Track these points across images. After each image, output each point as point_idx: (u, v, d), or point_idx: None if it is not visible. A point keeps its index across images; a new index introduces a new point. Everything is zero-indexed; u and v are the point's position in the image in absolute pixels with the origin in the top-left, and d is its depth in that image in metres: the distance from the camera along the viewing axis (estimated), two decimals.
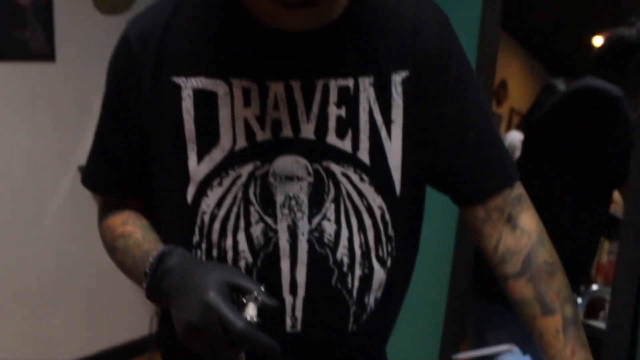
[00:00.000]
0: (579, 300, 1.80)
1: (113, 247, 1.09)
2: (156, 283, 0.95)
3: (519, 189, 1.07)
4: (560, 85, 2.01)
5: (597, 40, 2.92)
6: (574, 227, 1.79)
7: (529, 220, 1.06)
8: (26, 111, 2.83)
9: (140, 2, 3.11)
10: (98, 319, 3.21)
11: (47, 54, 2.84)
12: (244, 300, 0.86)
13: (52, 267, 3.00)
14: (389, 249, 1.04)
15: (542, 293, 1.02)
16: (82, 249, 3.06)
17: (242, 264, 0.99)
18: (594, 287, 1.89)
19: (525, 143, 2.01)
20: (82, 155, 3.01)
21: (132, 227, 1.08)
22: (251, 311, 0.85)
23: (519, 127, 3.11)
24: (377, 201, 1.01)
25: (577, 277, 1.82)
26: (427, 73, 1.00)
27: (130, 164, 1.07)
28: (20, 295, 2.91)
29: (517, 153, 2.28)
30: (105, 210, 1.15)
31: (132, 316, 3.33)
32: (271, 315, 0.87)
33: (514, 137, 2.85)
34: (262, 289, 0.88)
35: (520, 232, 1.05)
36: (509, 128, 3.61)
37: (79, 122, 3.00)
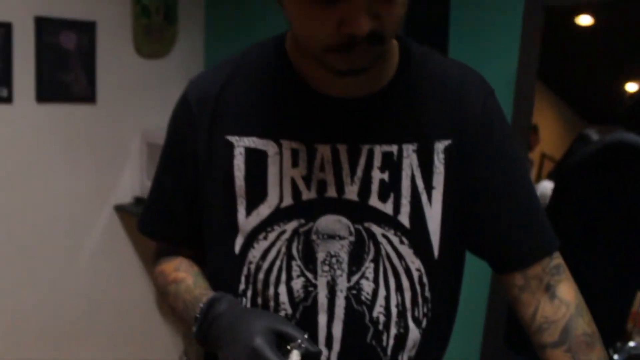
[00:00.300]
0: (615, 357, 1.77)
1: (165, 291, 1.14)
2: (205, 327, 0.99)
3: (558, 259, 1.07)
4: (594, 135, 2.02)
5: (631, 87, 2.92)
6: (607, 281, 1.78)
7: (567, 291, 1.05)
8: (67, 150, 2.91)
9: (178, 48, 3.21)
10: (127, 357, 3.23)
11: (88, 96, 2.93)
12: (289, 348, 0.90)
13: (85, 303, 3.04)
14: (425, 310, 1.06)
15: None
16: (114, 287, 3.11)
17: (281, 314, 1.03)
18: (631, 344, 1.86)
19: (555, 191, 2.01)
20: (118, 195, 3.09)
21: (184, 273, 1.12)
22: (295, 357, 0.88)
23: (550, 175, 3.10)
24: (415, 263, 1.03)
25: (612, 332, 1.80)
26: (470, 142, 1.03)
27: (185, 214, 1.12)
28: (51, 330, 2.96)
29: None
30: (159, 256, 1.21)
31: (162, 356, 3.35)
32: None
33: (546, 188, 2.84)
34: (306, 336, 0.92)
35: (559, 302, 1.04)
36: (540, 173, 3.61)
37: (116, 163, 3.08)
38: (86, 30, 2.89)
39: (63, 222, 2.96)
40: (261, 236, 1.03)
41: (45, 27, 2.78)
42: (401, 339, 1.04)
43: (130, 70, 3.07)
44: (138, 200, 3.10)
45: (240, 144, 1.03)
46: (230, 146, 1.03)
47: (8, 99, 2.72)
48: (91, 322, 3.07)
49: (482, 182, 1.04)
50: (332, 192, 1.01)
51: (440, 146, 1.02)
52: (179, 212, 1.13)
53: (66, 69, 2.85)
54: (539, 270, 1.05)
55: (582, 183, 1.84)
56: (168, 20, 3.14)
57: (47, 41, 2.80)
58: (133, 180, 3.12)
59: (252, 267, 1.04)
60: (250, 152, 1.02)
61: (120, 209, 3.09)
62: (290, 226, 1.02)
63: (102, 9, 2.94)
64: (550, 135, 3.54)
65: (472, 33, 2.15)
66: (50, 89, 2.82)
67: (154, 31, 3.10)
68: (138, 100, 3.11)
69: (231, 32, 3.18)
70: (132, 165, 3.12)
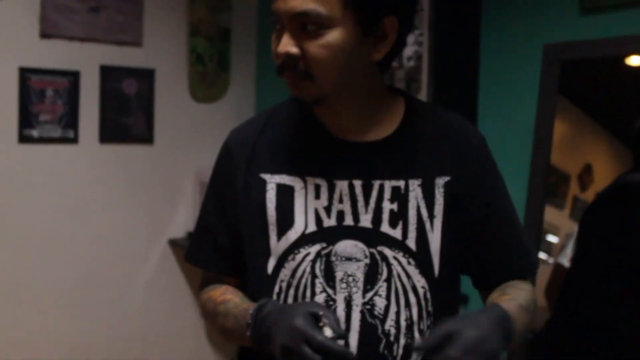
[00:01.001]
0: None
1: (215, 312, 1.27)
2: (257, 328, 1.13)
3: (527, 283, 1.28)
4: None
5: None
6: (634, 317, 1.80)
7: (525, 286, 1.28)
8: (126, 187, 3.14)
9: (231, 93, 3.43)
10: None
11: (146, 138, 3.17)
12: (321, 325, 1.05)
13: (139, 331, 3.21)
14: (429, 322, 1.22)
15: (506, 287, 1.24)
16: (167, 316, 3.28)
17: None
18: None
19: (578, 231, 2.05)
20: (172, 230, 3.29)
21: (231, 295, 1.28)
22: (327, 332, 1.04)
23: None
24: (420, 282, 1.21)
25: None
26: (465, 180, 1.23)
27: (229, 244, 1.30)
28: (107, 358, 3.13)
29: None
30: (205, 286, 1.36)
31: None
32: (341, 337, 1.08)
33: None
34: (336, 317, 1.09)
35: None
36: None
37: (170, 200, 3.29)
38: (146, 77, 3.15)
39: (121, 254, 3.16)
40: (290, 257, 1.21)
41: (109, 74, 3.05)
42: (408, 348, 1.20)
43: (185, 114, 3.30)
44: (191, 235, 3.26)
45: (272, 180, 1.23)
46: (264, 182, 1.23)
47: (74, 140, 2.98)
48: (145, 349, 3.23)
49: (473, 214, 1.25)
50: (349, 221, 1.20)
51: (440, 181, 1.22)
52: (223, 243, 1.30)
53: (127, 112, 3.10)
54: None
55: (595, 224, 1.89)
56: (221, 68, 3.36)
57: (111, 87, 3.06)
58: (186, 217, 3.31)
59: (284, 284, 1.22)
60: (280, 187, 1.22)
61: (173, 243, 3.28)
62: (314, 249, 1.20)
63: (160, 58, 3.19)
64: (604, 174, 3.54)
65: (499, 81, 2.27)
66: (112, 131, 3.07)
67: (208, 78, 3.33)
68: (192, 142, 3.32)
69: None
70: (185, 202, 3.32)
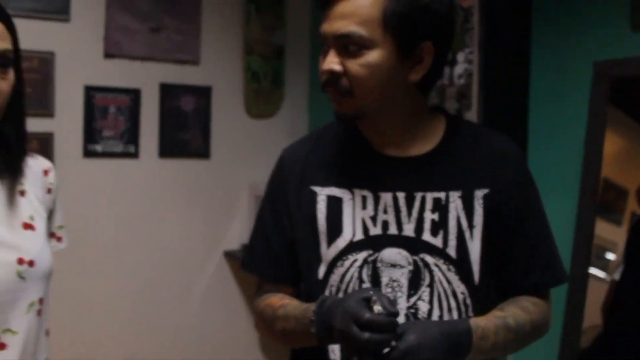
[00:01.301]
0: None
1: (275, 317, 1.31)
2: (320, 323, 1.19)
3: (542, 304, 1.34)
4: None
5: None
6: None
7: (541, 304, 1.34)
8: (183, 200, 3.26)
9: (285, 109, 3.53)
10: None
11: (203, 152, 3.29)
12: (371, 304, 1.11)
13: (195, 340, 3.31)
14: None
15: (510, 302, 1.30)
16: (222, 325, 3.38)
17: None
18: None
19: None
20: (227, 242, 3.39)
21: (289, 300, 1.33)
22: (377, 309, 1.09)
23: None
24: (460, 288, 1.28)
25: None
26: (503, 193, 1.30)
27: (285, 253, 1.37)
28: None
29: None
30: (261, 294, 1.41)
31: None
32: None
33: None
34: (388, 297, 1.14)
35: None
36: None
37: (226, 212, 3.39)
38: (203, 94, 3.26)
39: (179, 265, 3.27)
40: (339, 264, 1.29)
41: (168, 92, 3.18)
42: None
43: (240, 130, 3.41)
44: (246, 247, 3.37)
45: (322, 192, 1.32)
46: (314, 194, 1.33)
47: (135, 155, 3.12)
48: (200, 357, 3.32)
49: (506, 224, 1.30)
50: (393, 230, 1.28)
51: (479, 193, 1.29)
52: (279, 252, 1.37)
53: (185, 128, 3.22)
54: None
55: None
56: (276, 84, 3.46)
57: (169, 104, 3.19)
58: (241, 229, 3.41)
59: (333, 289, 1.30)
60: (329, 199, 1.31)
61: (229, 255, 3.38)
62: (361, 256, 1.28)
63: (217, 76, 3.31)
64: None
65: (549, 98, 2.29)
66: (171, 146, 3.20)
67: (262, 94, 3.43)
68: (247, 157, 3.42)
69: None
70: (240, 215, 3.41)
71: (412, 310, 1.26)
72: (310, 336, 1.22)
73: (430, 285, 1.26)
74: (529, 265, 1.33)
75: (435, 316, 1.26)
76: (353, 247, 1.28)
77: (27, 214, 1.31)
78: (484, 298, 1.30)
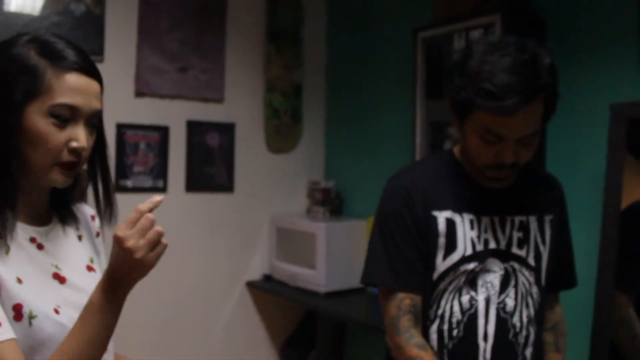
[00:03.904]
0: None
1: None
2: None
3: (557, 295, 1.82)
4: None
5: None
6: None
7: (559, 309, 1.82)
8: (208, 232, 3.38)
9: (302, 144, 3.68)
10: None
11: (227, 186, 3.42)
12: None
13: None
14: (537, 320, 1.67)
15: (558, 342, 1.75)
16: (245, 354, 3.49)
17: (454, 319, 1.61)
18: None
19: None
20: (250, 272, 3.50)
21: None
22: None
23: None
24: (534, 289, 1.66)
25: None
26: (559, 218, 1.73)
27: (420, 264, 1.63)
28: None
29: None
30: (405, 329, 1.62)
31: None
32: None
33: None
34: None
35: (553, 312, 1.80)
36: None
37: (248, 244, 3.52)
38: (227, 130, 3.41)
39: (202, 295, 3.38)
40: (451, 273, 1.61)
41: (194, 129, 3.32)
42: (527, 338, 1.63)
43: (261, 164, 3.56)
44: (267, 278, 3.51)
45: (441, 216, 1.62)
46: (435, 218, 1.62)
47: (163, 189, 3.24)
48: None
49: (559, 239, 1.74)
50: (492, 245, 1.63)
51: (547, 218, 1.70)
52: (416, 264, 1.62)
53: (210, 163, 3.36)
54: (552, 295, 1.79)
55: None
56: (295, 120, 3.62)
57: (196, 140, 3.33)
58: (263, 260, 3.54)
59: (440, 291, 1.62)
60: (447, 221, 1.62)
61: (251, 285, 3.50)
62: (471, 266, 1.61)
63: (240, 113, 3.46)
64: None
65: (566, 136, 2.47)
66: (197, 180, 3.33)
67: (282, 130, 3.59)
68: (268, 190, 3.57)
69: (348, 129, 3.62)
70: (262, 246, 3.54)
71: (502, 305, 1.61)
72: None
73: (516, 287, 1.62)
74: (560, 270, 1.75)
75: (517, 310, 1.62)
76: (464, 260, 1.60)
77: (88, 257, 1.38)
78: (545, 299, 1.71)
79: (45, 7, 2.93)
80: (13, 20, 2.85)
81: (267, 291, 3.45)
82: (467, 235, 1.61)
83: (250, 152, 3.51)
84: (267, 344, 3.55)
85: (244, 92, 3.48)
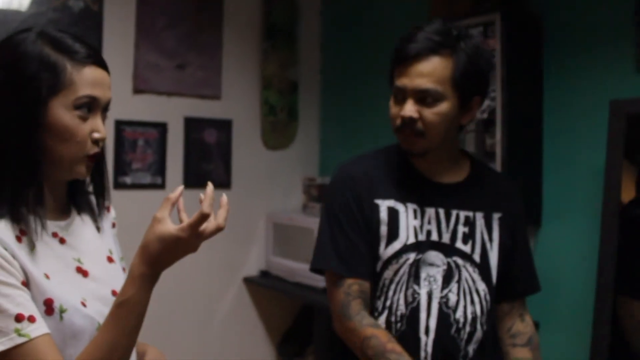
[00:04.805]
0: None
1: (384, 350, 1.53)
2: None
3: (524, 301, 1.78)
4: None
5: None
6: None
7: (529, 319, 1.76)
8: None
9: (298, 141, 3.71)
10: None
11: (224, 182, 3.45)
12: None
13: None
14: (485, 318, 1.65)
15: (535, 358, 1.70)
16: (242, 350, 3.51)
17: (398, 312, 1.61)
18: None
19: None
20: (246, 268, 3.53)
21: (399, 347, 1.55)
22: None
23: None
24: (482, 286, 1.65)
25: None
26: (510, 217, 1.72)
27: (366, 251, 1.64)
28: None
29: None
30: (358, 310, 1.62)
31: None
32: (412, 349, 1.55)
33: None
34: None
35: (526, 324, 1.74)
36: None
37: (245, 240, 3.54)
38: (224, 127, 3.43)
39: (199, 290, 3.40)
40: (394, 261, 1.63)
41: (192, 125, 3.34)
42: (471, 335, 1.62)
43: (258, 161, 3.58)
44: (263, 273, 3.53)
45: (383, 204, 1.65)
46: (377, 206, 1.65)
47: (162, 186, 3.26)
48: None
49: (510, 241, 1.71)
50: (434, 237, 1.64)
51: (495, 216, 1.70)
52: (364, 251, 1.64)
53: (208, 159, 3.38)
54: (518, 303, 1.75)
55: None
56: (291, 117, 3.65)
57: (193, 137, 3.35)
58: (259, 256, 3.56)
59: (386, 282, 1.63)
60: (389, 210, 1.65)
61: (248, 281, 3.52)
62: (412, 256, 1.62)
63: (237, 110, 3.49)
64: None
65: (563, 131, 2.52)
66: (195, 177, 3.35)
67: (278, 127, 3.62)
68: (264, 186, 3.59)
69: (343, 126, 3.66)
70: (258, 242, 3.57)
71: (444, 300, 1.61)
72: None
73: (459, 282, 1.62)
74: (521, 275, 1.74)
75: (461, 306, 1.62)
76: (406, 248, 1.62)
77: (107, 248, 1.40)
78: (496, 297, 1.69)
79: (42, 3, 2.93)
80: (10, 17, 2.85)
81: (264, 286, 3.48)
82: (409, 224, 1.63)
83: (247, 149, 3.53)
84: (264, 340, 3.58)
85: (240, 89, 3.50)
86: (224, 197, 1.28)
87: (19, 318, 1.09)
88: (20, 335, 1.08)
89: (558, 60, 2.53)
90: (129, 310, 1.19)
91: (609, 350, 2.13)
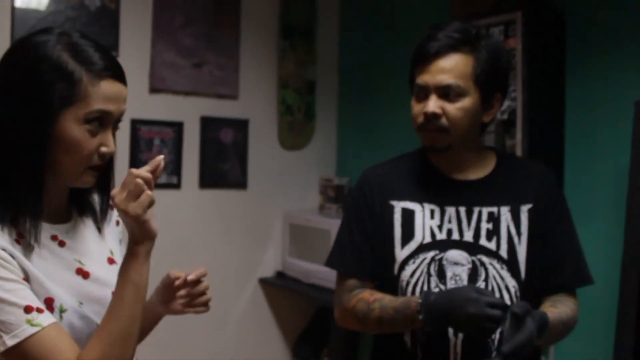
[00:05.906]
0: None
1: (370, 309, 1.59)
2: (429, 310, 1.47)
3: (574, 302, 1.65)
4: None
5: None
6: None
7: (571, 302, 1.63)
8: (222, 228, 3.38)
9: (315, 141, 3.68)
10: None
11: (241, 183, 3.42)
12: None
13: None
14: None
15: (557, 301, 1.60)
16: (257, 350, 3.49)
17: None
18: None
19: None
20: (262, 269, 3.50)
21: (379, 295, 1.61)
22: None
23: None
24: (511, 283, 1.59)
25: None
26: (543, 207, 1.63)
27: (369, 254, 1.66)
28: None
29: None
30: (347, 292, 1.66)
31: None
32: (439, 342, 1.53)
33: None
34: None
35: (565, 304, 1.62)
36: None
37: (261, 241, 3.52)
38: (241, 127, 3.41)
39: (215, 291, 3.27)
40: (411, 262, 1.60)
41: (208, 125, 3.32)
42: (502, 334, 1.50)
43: (274, 161, 3.56)
44: (279, 274, 3.50)
45: (398, 205, 1.65)
46: (392, 207, 1.65)
47: (177, 185, 3.24)
48: None
49: (550, 233, 1.63)
50: (456, 236, 1.61)
51: (524, 208, 1.63)
52: (365, 253, 1.66)
53: (224, 159, 3.36)
54: (564, 297, 1.63)
55: None
56: (307, 117, 3.62)
57: (210, 137, 3.33)
58: (275, 257, 3.54)
59: (404, 283, 1.61)
60: (404, 210, 1.64)
61: (263, 282, 3.50)
62: (430, 255, 1.60)
63: (253, 109, 3.46)
64: None
65: (585, 131, 2.47)
66: (211, 177, 3.33)
67: (295, 127, 3.59)
68: (281, 187, 3.56)
69: (361, 127, 3.62)
70: (275, 243, 3.54)
71: None
72: (408, 323, 1.51)
73: (486, 280, 1.57)
74: (563, 267, 1.64)
75: None
76: (423, 248, 1.60)
77: (108, 249, 1.38)
78: (528, 292, 1.59)
79: (60, 1, 2.92)
80: (29, 15, 2.85)
81: (280, 287, 3.45)
82: (426, 224, 1.62)
83: (264, 149, 3.51)
84: (280, 341, 3.55)
85: (257, 89, 3.47)
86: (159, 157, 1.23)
87: (27, 309, 1.10)
88: (32, 325, 1.09)
89: (581, 60, 2.48)
90: (125, 288, 1.22)
91: (633, 356, 2.08)
